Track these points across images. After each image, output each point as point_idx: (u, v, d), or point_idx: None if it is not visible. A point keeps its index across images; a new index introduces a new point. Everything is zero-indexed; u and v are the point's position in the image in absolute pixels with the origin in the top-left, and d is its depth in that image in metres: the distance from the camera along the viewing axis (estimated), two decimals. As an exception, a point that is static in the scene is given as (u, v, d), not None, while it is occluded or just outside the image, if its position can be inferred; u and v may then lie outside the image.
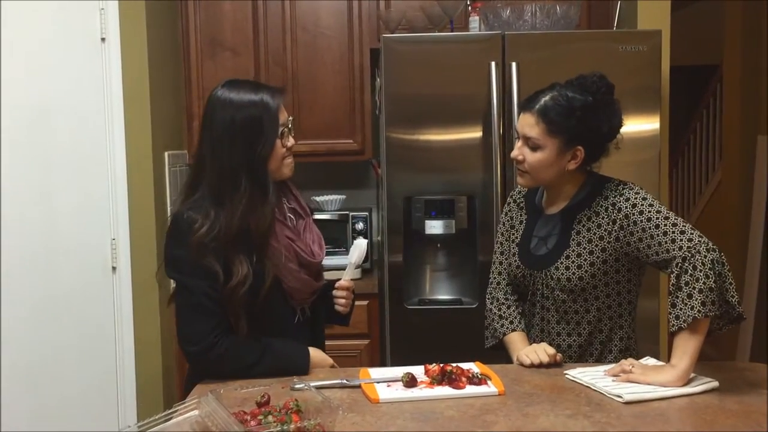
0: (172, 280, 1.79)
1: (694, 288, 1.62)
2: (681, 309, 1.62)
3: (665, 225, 1.71)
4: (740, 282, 4.09)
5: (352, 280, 2.00)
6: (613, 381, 1.63)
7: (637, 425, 1.42)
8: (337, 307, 1.98)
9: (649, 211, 1.74)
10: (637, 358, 1.85)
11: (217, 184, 1.71)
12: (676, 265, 1.66)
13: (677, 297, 1.64)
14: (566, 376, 1.69)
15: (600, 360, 1.88)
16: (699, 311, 1.60)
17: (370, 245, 3.28)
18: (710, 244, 1.67)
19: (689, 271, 1.64)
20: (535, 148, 1.80)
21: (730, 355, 4.04)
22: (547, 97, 1.80)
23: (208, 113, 1.74)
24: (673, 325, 1.63)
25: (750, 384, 1.65)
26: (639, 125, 2.68)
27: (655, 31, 2.70)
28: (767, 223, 3.89)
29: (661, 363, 1.72)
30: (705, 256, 1.64)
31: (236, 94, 1.72)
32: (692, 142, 6.06)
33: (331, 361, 1.86)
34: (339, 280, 1.99)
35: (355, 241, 2.00)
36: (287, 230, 1.81)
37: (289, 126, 1.78)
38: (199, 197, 1.72)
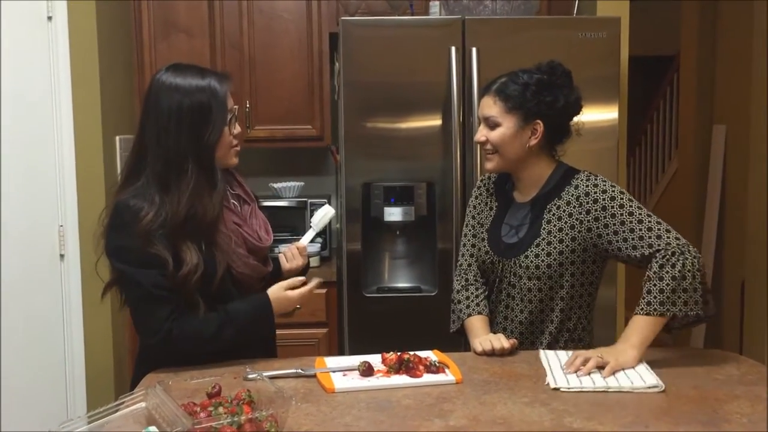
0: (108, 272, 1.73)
1: (679, 284, 1.67)
2: (656, 297, 1.67)
3: (649, 221, 1.76)
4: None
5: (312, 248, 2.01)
6: (580, 374, 1.59)
7: (595, 412, 1.42)
8: (281, 258, 1.96)
9: (630, 206, 1.78)
10: (591, 346, 1.87)
11: (163, 171, 1.65)
12: (662, 257, 1.70)
13: (655, 285, 1.68)
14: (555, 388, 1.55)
15: (552, 345, 1.88)
16: (681, 309, 1.67)
17: (329, 232, 3.23)
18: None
19: (677, 266, 1.68)
20: (494, 126, 1.83)
21: (684, 341, 4.11)
22: (503, 79, 1.86)
23: (151, 98, 1.68)
24: (644, 309, 1.68)
25: (705, 370, 1.67)
26: (598, 114, 2.68)
27: (614, 18, 2.70)
28: (722, 212, 3.96)
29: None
30: (695, 257, 1.70)
31: (182, 79, 1.67)
32: (649, 131, 6.14)
33: (295, 298, 1.76)
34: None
35: (322, 206, 2.02)
36: (234, 216, 1.77)
37: (236, 113, 1.75)
38: (143, 185, 1.66)
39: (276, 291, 1.76)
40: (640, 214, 1.77)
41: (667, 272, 1.68)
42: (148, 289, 1.63)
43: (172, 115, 1.65)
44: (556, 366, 1.65)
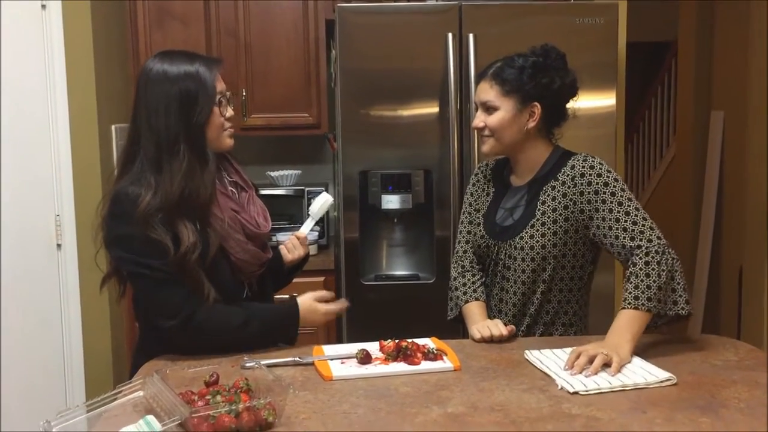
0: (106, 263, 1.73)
1: (665, 283, 1.67)
2: (644, 293, 1.66)
3: (636, 215, 1.75)
4: (693, 255, 4.16)
5: (309, 238, 2.03)
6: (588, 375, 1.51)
7: (593, 399, 1.41)
8: (282, 249, 1.97)
9: (621, 195, 1.77)
10: (585, 332, 1.90)
11: (155, 152, 1.66)
12: (645, 253, 1.70)
13: (642, 281, 1.67)
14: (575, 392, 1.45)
15: (549, 332, 1.88)
16: (671, 308, 1.68)
17: (326, 220, 3.23)
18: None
19: (662, 264, 1.68)
20: (492, 110, 1.83)
21: (681, 329, 4.12)
22: (499, 63, 1.86)
23: (141, 86, 1.70)
24: (632, 304, 1.66)
25: (702, 355, 1.67)
26: (595, 101, 2.67)
27: (612, 3, 2.69)
28: (720, 198, 3.96)
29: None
30: (675, 259, 1.71)
31: (170, 65, 1.68)
32: (647, 117, 6.13)
33: (322, 311, 1.82)
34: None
35: (320, 194, 2.01)
36: (231, 203, 1.77)
37: (228, 96, 1.75)
38: (138, 170, 1.67)
39: (305, 299, 1.81)
40: (628, 205, 1.76)
41: (653, 269, 1.67)
42: (158, 274, 1.63)
43: (161, 102, 1.66)
44: (555, 367, 1.56)
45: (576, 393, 1.43)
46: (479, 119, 1.86)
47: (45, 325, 2.70)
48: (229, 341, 1.68)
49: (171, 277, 1.63)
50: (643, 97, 6.09)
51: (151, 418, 1.28)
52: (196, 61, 1.70)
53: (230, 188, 1.81)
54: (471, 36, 2.62)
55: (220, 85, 1.72)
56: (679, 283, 1.70)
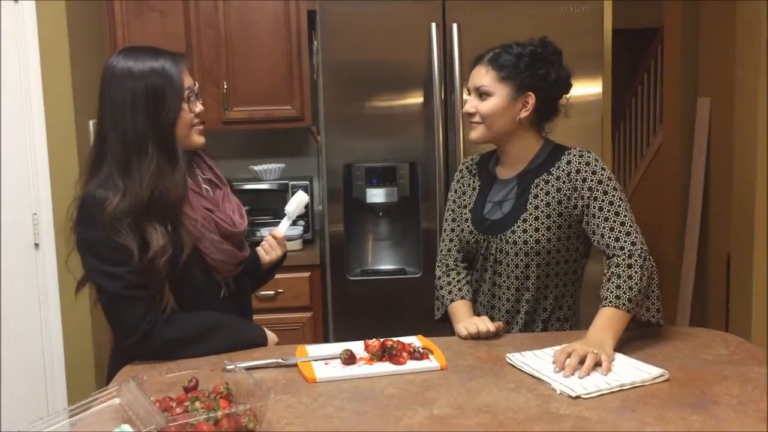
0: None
1: (646, 288, 1.67)
2: (626, 293, 1.64)
3: (624, 217, 1.74)
4: (680, 243, 4.15)
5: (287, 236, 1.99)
6: (580, 377, 1.46)
7: (581, 398, 1.38)
8: (260, 250, 1.93)
9: (613, 195, 1.76)
10: (578, 326, 1.87)
11: (123, 154, 1.61)
12: (629, 255, 1.69)
13: (624, 282, 1.65)
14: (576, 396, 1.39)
15: (546, 328, 1.85)
16: (644, 314, 1.67)
17: (311, 215, 3.18)
18: None
19: (644, 268, 1.67)
20: (486, 95, 1.80)
21: (670, 320, 4.11)
22: (496, 49, 1.83)
23: (105, 84, 1.64)
24: (613, 303, 1.63)
25: (692, 350, 1.64)
26: (581, 89, 2.64)
27: (598, -10, 2.65)
28: (706, 186, 3.94)
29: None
30: (654, 266, 1.70)
31: (134, 62, 1.62)
32: (634, 105, 6.11)
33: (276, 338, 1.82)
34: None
35: (296, 194, 1.98)
36: (204, 201, 1.73)
37: (196, 91, 1.70)
38: (106, 173, 1.62)
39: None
40: (619, 206, 1.75)
41: (635, 272, 1.66)
42: (120, 289, 1.59)
43: (127, 100, 1.61)
44: (547, 369, 1.49)
45: (578, 397, 1.37)
46: (471, 104, 1.82)
47: (24, 327, 2.64)
48: (190, 353, 1.64)
49: (131, 291, 1.59)
50: (629, 84, 6.07)
51: (126, 427, 1.23)
52: (161, 57, 1.64)
53: (204, 186, 1.76)
54: (455, 26, 2.58)
55: (188, 80, 1.67)
56: (654, 291, 1.69)
